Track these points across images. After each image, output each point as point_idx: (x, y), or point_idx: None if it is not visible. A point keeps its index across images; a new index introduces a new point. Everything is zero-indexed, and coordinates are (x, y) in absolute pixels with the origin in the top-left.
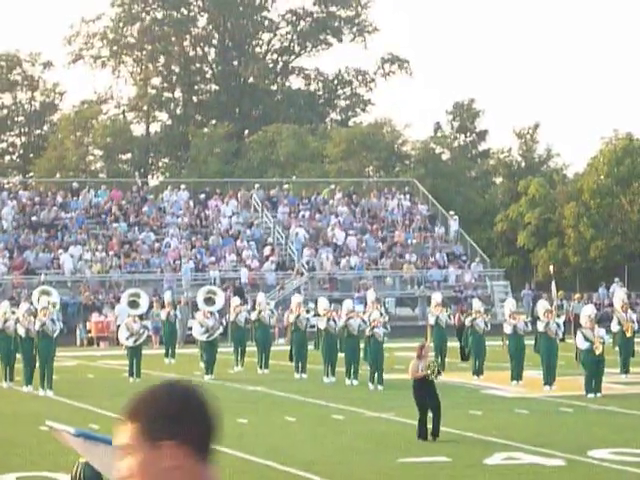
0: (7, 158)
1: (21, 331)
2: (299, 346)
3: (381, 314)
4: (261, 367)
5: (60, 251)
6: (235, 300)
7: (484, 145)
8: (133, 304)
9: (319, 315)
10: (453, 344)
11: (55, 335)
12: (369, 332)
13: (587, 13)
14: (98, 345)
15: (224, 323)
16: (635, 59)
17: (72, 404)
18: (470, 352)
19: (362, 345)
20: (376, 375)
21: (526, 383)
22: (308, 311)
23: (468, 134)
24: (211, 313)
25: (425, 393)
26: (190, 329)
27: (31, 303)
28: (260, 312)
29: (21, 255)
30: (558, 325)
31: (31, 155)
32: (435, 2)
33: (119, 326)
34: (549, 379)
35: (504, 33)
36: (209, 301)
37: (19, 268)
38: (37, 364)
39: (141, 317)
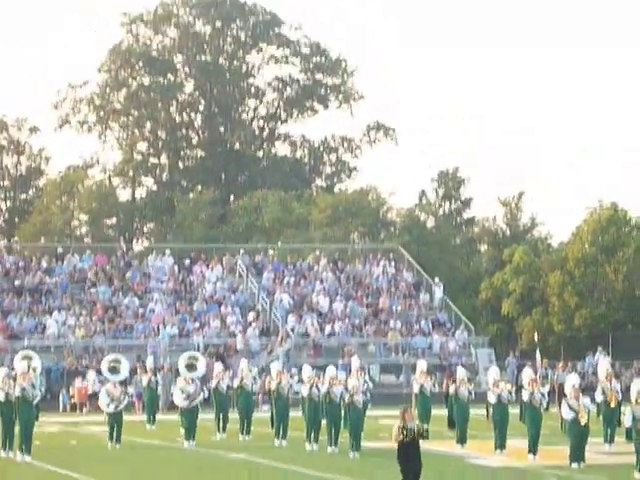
0: None
1: (0, 395)
2: (280, 413)
3: (365, 382)
4: (243, 433)
5: (46, 316)
6: (217, 366)
7: (469, 213)
8: (113, 370)
9: (302, 382)
10: (440, 412)
11: (36, 401)
12: (348, 399)
13: (571, 79)
14: (81, 411)
15: (205, 390)
16: (620, 131)
17: (55, 470)
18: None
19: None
20: (354, 442)
21: (510, 452)
22: (292, 376)
23: (453, 202)
24: (192, 379)
25: (409, 457)
26: (172, 395)
27: (12, 368)
28: (242, 379)
29: (5, 320)
30: (542, 395)
31: (16, 219)
32: (421, 71)
33: (94, 393)
34: (534, 448)
35: (489, 102)
36: (191, 367)
37: (3, 332)
38: (17, 429)
39: (124, 383)
